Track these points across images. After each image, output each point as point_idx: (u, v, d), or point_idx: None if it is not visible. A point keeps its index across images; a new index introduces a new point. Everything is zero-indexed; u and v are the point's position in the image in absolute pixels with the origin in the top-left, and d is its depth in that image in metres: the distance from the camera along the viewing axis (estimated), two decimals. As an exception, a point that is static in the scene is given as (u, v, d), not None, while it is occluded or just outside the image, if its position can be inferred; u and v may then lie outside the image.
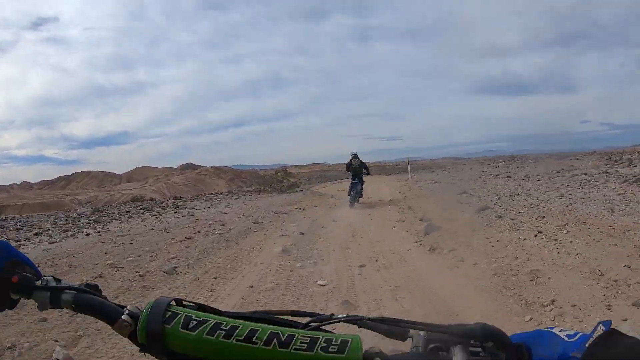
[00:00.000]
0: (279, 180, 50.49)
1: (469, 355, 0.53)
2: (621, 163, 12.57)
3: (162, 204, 14.82)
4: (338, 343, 0.50)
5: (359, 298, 3.86)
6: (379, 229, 7.23)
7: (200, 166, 52.70)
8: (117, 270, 4.91)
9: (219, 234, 7.29)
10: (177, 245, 6.34)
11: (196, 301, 0.58)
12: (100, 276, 4.65)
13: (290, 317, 0.60)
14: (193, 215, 10.32)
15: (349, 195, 11.02)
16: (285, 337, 0.50)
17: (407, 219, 7.89)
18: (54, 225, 9.77)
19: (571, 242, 4.54)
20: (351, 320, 0.59)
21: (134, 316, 0.55)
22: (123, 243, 6.57)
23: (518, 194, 8.31)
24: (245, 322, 0.53)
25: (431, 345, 0.57)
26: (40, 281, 0.59)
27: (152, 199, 30.09)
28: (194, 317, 0.52)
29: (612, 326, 0.47)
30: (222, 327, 0.51)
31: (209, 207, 12.55)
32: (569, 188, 8.30)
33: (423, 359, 0.57)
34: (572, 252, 4.24)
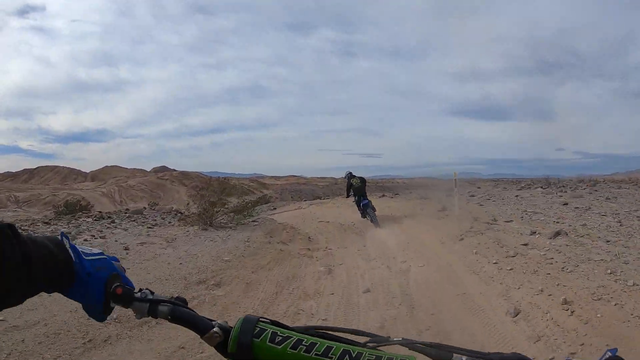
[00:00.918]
0: (245, 192, 49.62)
1: None
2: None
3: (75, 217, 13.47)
4: None
5: None
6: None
7: (174, 170, 51.64)
8: None
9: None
10: None
11: (278, 320, 0.66)
12: None
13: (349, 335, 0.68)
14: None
15: (367, 217, 9.80)
16: (355, 354, 0.59)
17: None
18: None
19: None
20: (405, 343, 0.66)
21: (223, 329, 0.64)
22: None
23: None
24: (321, 340, 0.62)
25: None
26: (139, 293, 0.68)
27: (87, 206, 29.16)
28: (279, 333, 0.62)
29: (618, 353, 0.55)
30: (303, 342, 0.60)
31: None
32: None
33: None
34: None
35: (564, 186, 14.11)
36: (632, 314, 3.25)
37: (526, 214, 8.25)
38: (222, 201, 9.94)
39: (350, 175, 10.93)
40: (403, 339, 0.66)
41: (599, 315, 3.33)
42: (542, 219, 7.46)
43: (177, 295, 0.72)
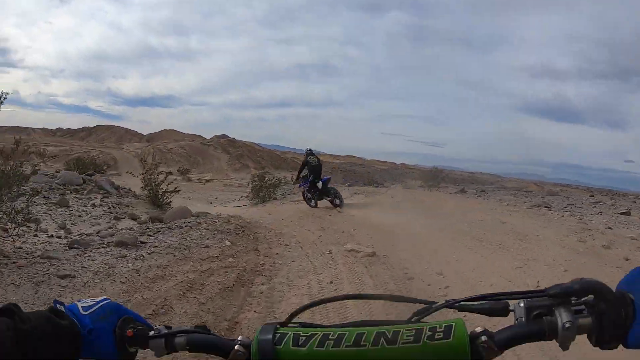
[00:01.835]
0: (296, 168, 44.60)
1: (572, 313, 0.53)
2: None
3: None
4: (443, 329, 0.52)
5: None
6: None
7: (235, 140, 48.14)
8: None
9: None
10: None
11: (298, 321, 0.63)
12: None
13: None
14: None
15: (309, 198, 9.42)
16: (391, 334, 0.53)
17: None
18: None
19: None
20: (450, 305, 0.60)
21: (246, 345, 0.59)
22: None
23: None
24: (350, 328, 0.56)
25: (534, 313, 0.55)
26: (153, 331, 0.64)
27: (101, 165, 25.76)
28: (301, 334, 0.56)
29: None
30: (330, 337, 0.54)
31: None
32: None
33: (528, 327, 0.55)
34: None
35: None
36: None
37: None
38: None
39: (309, 152, 9.98)
40: (446, 301, 0.61)
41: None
42: None
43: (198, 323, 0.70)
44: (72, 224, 6.81)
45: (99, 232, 6.32)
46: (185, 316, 3.22)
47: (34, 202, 6.49)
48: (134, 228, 6.73)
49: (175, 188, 10.66)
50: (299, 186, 10.00)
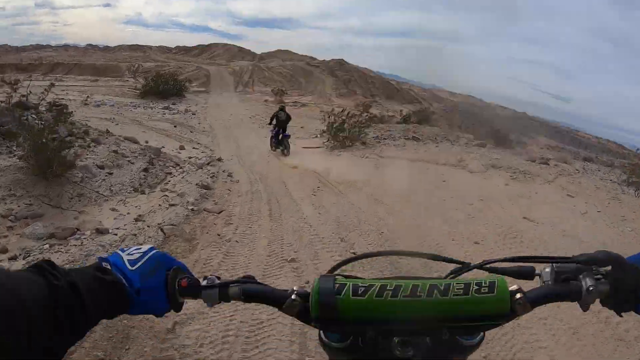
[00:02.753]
0: (410, 101, 37.73)
1: (594, 280, 0.59)
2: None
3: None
4: (487, 285, 0.58)
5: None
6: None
7: (346, 62, 42.66)
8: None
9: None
10: None
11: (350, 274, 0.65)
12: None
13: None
14: None
15: (280, 147, 10.69)
16: (443, 287, 0.58)
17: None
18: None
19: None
20: (483, 266, 0.67)
21: (301, 295, 0.61)
22: None
23: None
24: (405, 280, 0.59)
25: (562, 277, 0.62)
26: (205, 281, 0.64)
27: (182, 81, 22.26)
28: (360, 284, 0.58)
29: None
30: (387, 287, 0.57)
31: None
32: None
33: (556, 289, 0.62)
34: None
35: None
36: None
37: None
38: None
39: (281, 107, 11.52)
40: (484, 260, 0.67)
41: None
42: None
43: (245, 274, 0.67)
44: None
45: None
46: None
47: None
48: None
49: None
50: (270, 130, 11.27)
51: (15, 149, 5.39)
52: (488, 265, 0.66)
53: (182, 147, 10.04)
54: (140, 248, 0.63)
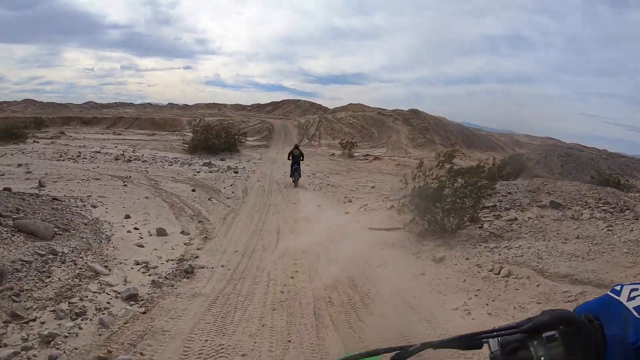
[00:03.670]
0: (493, 148, 31.85)
1: (545, 344, 0.55)
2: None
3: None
4: None
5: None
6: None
7: (420, 111, 39.26)
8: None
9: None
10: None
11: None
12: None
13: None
14: None
15: (292, 177, 12.91)
16: None
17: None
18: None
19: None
20: (427, 346, 0.62)
21: None
22: None
23: None
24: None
25: (509, 348, 0.57)
26: None
27: (243, 133, 19.42)
28: None
29: None
30: None
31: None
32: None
33: None
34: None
35: None
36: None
37: None
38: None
39: (295, 146, 13.83)
40: (421, 344, 0.63)
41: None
42: None
43: None
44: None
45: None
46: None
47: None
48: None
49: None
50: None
51: None
52: (434, 347, 0.62)
53: (162, 233, 6.69)
54: None
